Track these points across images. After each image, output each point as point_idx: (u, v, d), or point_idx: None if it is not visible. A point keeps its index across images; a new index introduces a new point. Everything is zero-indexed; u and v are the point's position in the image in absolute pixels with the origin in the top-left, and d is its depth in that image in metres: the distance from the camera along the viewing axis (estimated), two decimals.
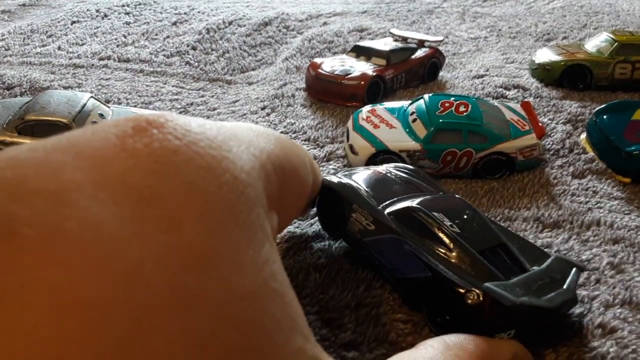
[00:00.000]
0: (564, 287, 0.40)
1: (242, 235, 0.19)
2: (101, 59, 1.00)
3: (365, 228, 0.45)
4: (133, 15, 1.23)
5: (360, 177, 0.49)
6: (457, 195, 0.49)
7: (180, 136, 0.19)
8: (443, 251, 0.41)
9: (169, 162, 0.18)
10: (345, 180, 0.48)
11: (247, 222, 0.19)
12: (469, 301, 0.38)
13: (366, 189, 0.47)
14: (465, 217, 0.44)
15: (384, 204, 0.46)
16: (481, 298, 0.38)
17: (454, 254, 0.41)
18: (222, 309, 0.17)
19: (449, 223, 0.43)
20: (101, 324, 0.14)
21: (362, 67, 0.83)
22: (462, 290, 0.38)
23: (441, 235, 0.42)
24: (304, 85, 0.87)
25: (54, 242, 0.15)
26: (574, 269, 0.42)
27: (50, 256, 0.15)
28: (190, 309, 0.16)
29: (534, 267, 0.41)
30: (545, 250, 0.46)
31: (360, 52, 0.87)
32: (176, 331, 0.15)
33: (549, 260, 0.42)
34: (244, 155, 0.21)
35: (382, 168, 0.52)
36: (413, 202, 0.45)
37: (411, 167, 0.53)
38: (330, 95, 0.81)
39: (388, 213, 0.45)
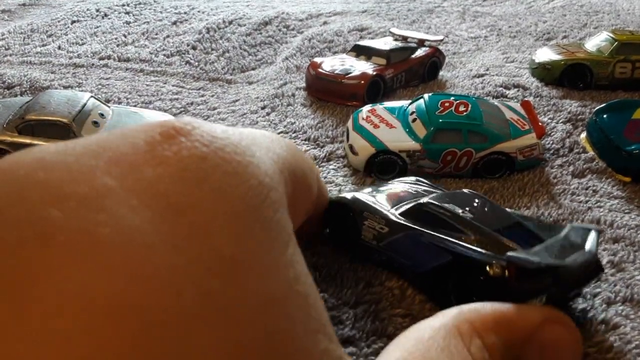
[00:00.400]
0: (585, 248, 0.39)
1: (268, 239, 0.19)
2: (101, 58, 1.00)
3: (380, 232, 0.45)
4: (133, 15, 1.23)
5: (366, 190, 0.50)
6: (464, 190, 0.49)
7: (207, 143, 0.19)
8: (460, 236, 0.42)
9: (198, 170, 0.18)
10: (351, 194, 0.48)
11: (272, 225, 0.20)
12: (493, 273, 0.38)
13: (374, 198, 0.47)
14: (475, 204, 0.45)
15: (394, 207, 0.46)
16: (505, 268, 0.38)
17: (471, 237, 0.41)
18: (250, 314, 0.17)
19: (460, 211, 0.43)
20: (134, 329, 0.14)
21: (362, 67, 0.83)
22: (485, 265, 0.39)
23: (455, 223, 0.42)
24: (304, 85, 0.87)
25: (88, 248, 0.15)
26: (592, 232, 0.41)
27: (85, 261, 0.15)
28: (219, 315, 0.16)
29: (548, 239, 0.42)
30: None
31: (361, 52, 0.87)
32: (206, 337, 0.15)
33: (566, 229, 0.42)
34: (265, 159, 0.21)
35: (387, 184, 0.52)
36: (422, 199, 0.45)
37: (412, 177, 0.53)
38: (330, 94, 0.81)
39: (400, 213, 0.45)
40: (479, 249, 0.40)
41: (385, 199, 0.48)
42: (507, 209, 0.46)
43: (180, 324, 0.15)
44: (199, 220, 0.17)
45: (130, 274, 0.15)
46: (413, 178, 0.53)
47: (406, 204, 0.46)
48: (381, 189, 0.50)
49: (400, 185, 0.51)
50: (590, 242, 0.40)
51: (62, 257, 0.15)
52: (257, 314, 0.17)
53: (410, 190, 0.49)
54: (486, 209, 0.44)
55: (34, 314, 0.14)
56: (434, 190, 0.50)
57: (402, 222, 0.44)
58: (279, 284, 0.19)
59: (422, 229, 0.43)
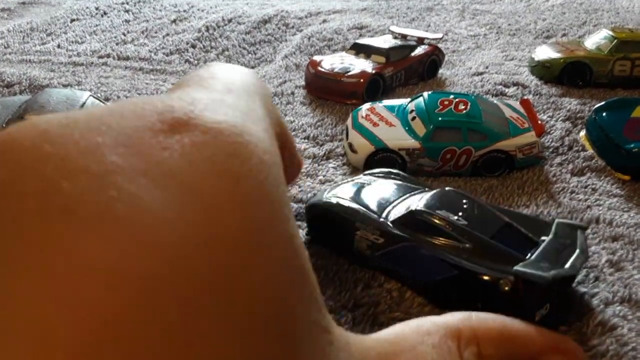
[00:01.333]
0: (578, 250, 0.41)
1: (272, 214, 0.20)
2: (101, 57, 1.00)
3: (374, 243, 0.45)
4: (132, 13, 1.23)
5: (347, 192, 0.49)
6: (447, 188, 0.48)
7: (206, 130, 0.20)
8: (459, 246, 0.42)
9: (201, 154, 0.19)
10: (336, 199, 0.47)
11: (275, 200, 0.20)
12: (505, 288, 0.39)
13: (360, 203, 0.47)
14: (465, 207, 0.45)
15: (384, 213, 0.45)
16: (514, 283, 0.38)
17: (469, 246, 0.42)
18: (255, 285, 0.18)
19: (455, 218, 0.43)
20: (153, 299, 0.15)
21: (361, 65, 0.83)
22: (493, 280, 0.39)
23: (452, 232, 0.42)
24: (303, 83, 0.87)
25: (104, 223, 0.16)
26: (579, 231, 0.43)
27: (103, 236, 0.16)
28: (227, 285, 0.17)
29: (542, 238, 0.43)
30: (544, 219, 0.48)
31: (360, 50, 0.87)
32: (217, 306, 0.16)
33: (553, 228, 0.44)
34: (261, 134, 0.22)
35: (362, 178, 0.51)
36: (413, 205, 0.45)
37: (384, 169, 0.53)
38: (329, 93, 0.81)
39: (392, 222, 0.45)
40: (484, 265, 0.40)
41: (370, 200, 0.47)
42: (491, 208, 0.46)
43: (193, 292, 0.16)
44: (207, 198, 0.18)
45: (147, 248, 0.16)
46: (385, 170, 0.52)
47: (394, 210, 0.45)
48: (359, 186, 0.49)
49: (378, 182, 0.50)
50: (580, 243, 0.42)
51: (83, 232, 0.16)
52: (261, 284, 0.18)
53: (390, 187, 0.49)
54: (476, 212, 0.44)
55: (63, 281, 0.15)
56: (413, 186, 0.49)
57: (397, 232, 0.44)
58: (282, 258, 0.19)
59: (421, 241, 0.43)
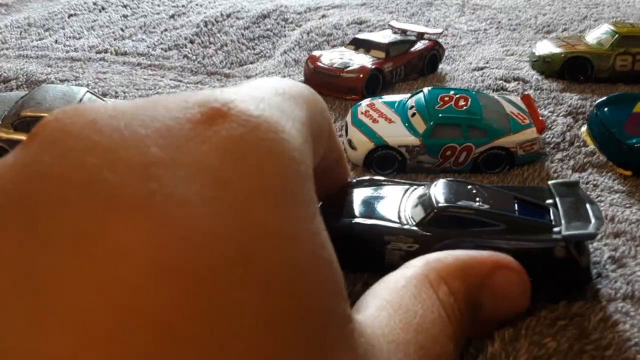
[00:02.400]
0: (589, 204, 0.44)
1: (299, 210, 0.21)
2: (98, 52, 1.00)
3: (408, 251, 0.43)
4: (130, 8, 1.22)
5: (356, 210, 0.46)
6: (442, 180, 0.47)
7: (243, 123, 0.21)
8: (495, 230, 0.42)
9: (237, 149, 0.20)
10: (351, 220, 0.45)
11: (302, 197, 0.21)
12: (561, 255, 0.40)
13: (377, 216, 0.45)
14: (475, 192, 0.44)
15: (402, 219, 0.44)
16: (567, 247, 0.40)
17: (503, 227, 0.42)
18: (282, 277, 0.19)
19: (477, 204, 0.43)
20: (188, 288, 0.16)
21: (361, 60, 0.82)
22: (546, 251, 0.40)
23: (482, 218, 0.42)
24: (302, 79, 0.86)
25: (144, 214, 0.17)
26: (576, 187, 0.46)
27: (143, 226, 0.16)
28: (256, 279, 0.18)
29: (547, 201, 0.45)
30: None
31: (359, 45, 0.87)
32: (246, 297, 0.17)
33: (553, 190, 0.46)
34: (293, 132, 0.23)
35: (354, 193, 0.48)
36: (432, 203, 0.44)
37: (364, 178, 0.50)
38: (328, 88, 0.81)
39: (417, 225, 0.44)
40: (527, 239, 0.41)
41: (382, 210, 0.46)
42: (491, 186, 0.46)
43: (223, 282, 0.17)
44: (240, 193, 0.19)
45: (181, 239, 0.17)
46: (366, 178, 0.50)
47: (405, 213, 0.44)
48: (362, 200, 0.47)
49: (371, 190, 0.48)
50: (584, 196, 0.45)
51: (123, 220, 0.16)
52: (287, 277, 0.19)
53: (386, 192, 0.48)
54: (487, 194, 0.44)
55: (103, 268, 0.16)
56: (402, 186, 0.48)
57: (433, 234, 0.43)
58: (309, 251, 0.20)
59: (459, 235, 0.42)
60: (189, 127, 0.20)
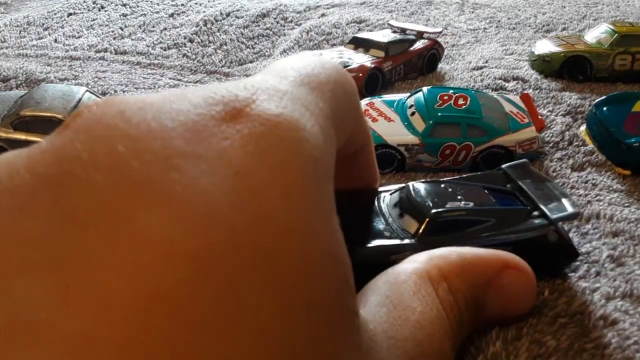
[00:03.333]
0: (550, 182, 0.45)
1: (317, 207, 0.21)
2: (98, 51, 1.00)
3: None
4: (130, 7, 1.22)
5: (354, 235, 0.42)
6: (412, 183, 0.46)
7: (264, 122, 0.21)
8: (487, 226, 0.42)
9: (258, 146, 0.20)
10: (355, 248, 0.42)
11: (321, 195, 0.22)
12: (553, 239, 0.40)
13: (377, 236, 0.43)
14: (451, 190, 0.44)
15: (397, 233, 0.43)
16: (557, 230, 0.40)
17: (493, 221, 0.42)
18: (298, 271, 0.19)
19: (462, 204, 0.43)
20: (204, 273, 0.17)
21: (360, 59, 0.82)
22: (541, 237, 0.40)
23: (473, 217, 0.42)
24: None
25: (165, 202, 0.17)
26: (528, 166, 0.47)
27: (164, 213, 0.17)
28: (271, 270, 0.18)
29: (507, 186, 0.46)
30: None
31: (359, 44, 0.87)
32: (260, 288, 0.18)
33: (511, 174, 0.46)
34: (314, 129, 0.23)
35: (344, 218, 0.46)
36: (422, 210, 0.42)
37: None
38: None
39: (414, 236, 0.42)
40: (518, 230, 0.41)
41: (378, 228, 0.43)
42: (458, 181, 0.46)
43: (239, 273, 0.17)
44: (259, 188, 0.19)
45: (200, 228, 0.17)
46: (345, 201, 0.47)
47: (396, 225, 0.43)
48: (357, 223, 0.44)
49: (359, 211, 0.45)
50: (539, 175, 0.45)
51: (145, 206, 0.17)
52: (304, 272, 0.19)
53: (367, 209, 0.45)
54: (463, 191, 0.44)
55: (125, 251, 0.16)
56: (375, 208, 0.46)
57: (433, 244, 0.40)
58: (324, 248, 0.21)
59: (457, 239, 0.41)
60: (213, 124, 0.20)
